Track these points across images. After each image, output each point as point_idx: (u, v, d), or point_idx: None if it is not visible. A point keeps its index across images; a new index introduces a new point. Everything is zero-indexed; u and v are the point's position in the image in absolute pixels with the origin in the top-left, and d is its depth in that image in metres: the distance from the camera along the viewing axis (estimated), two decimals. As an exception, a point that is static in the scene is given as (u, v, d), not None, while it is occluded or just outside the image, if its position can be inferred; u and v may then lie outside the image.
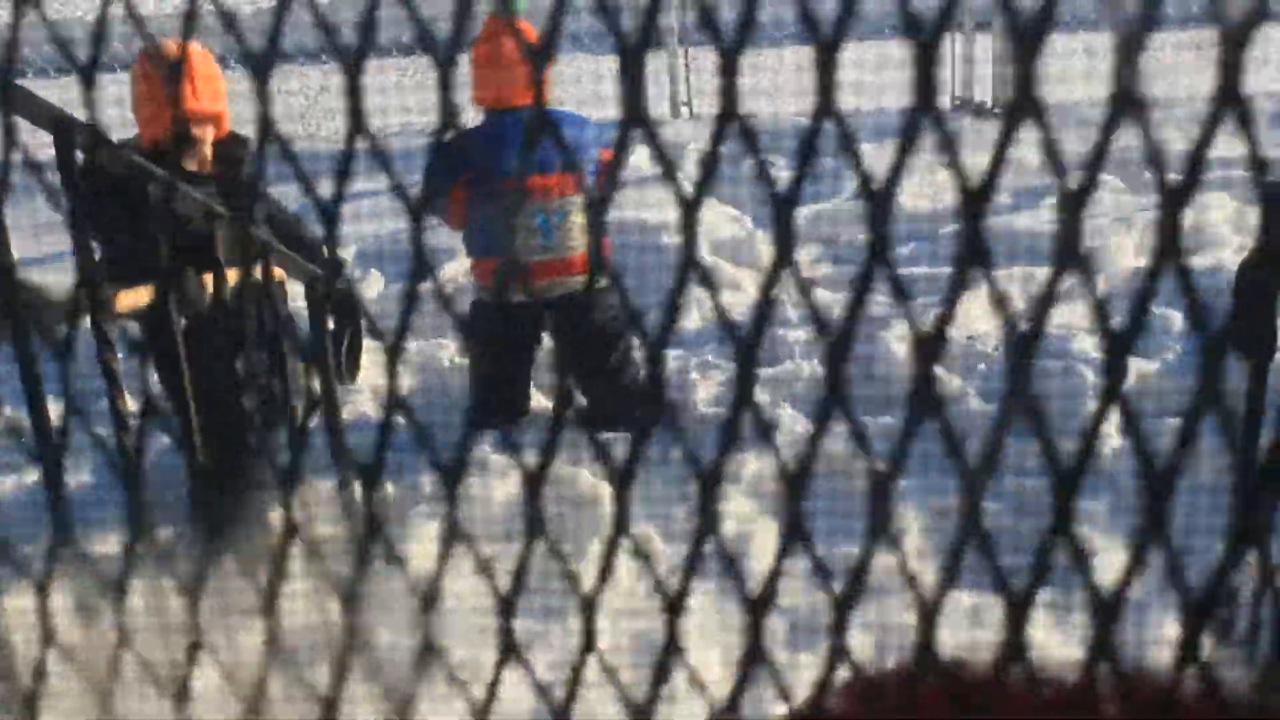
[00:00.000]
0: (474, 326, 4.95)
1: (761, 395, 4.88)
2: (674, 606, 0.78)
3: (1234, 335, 0.70)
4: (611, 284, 4.85)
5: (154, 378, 3.82)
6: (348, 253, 6.74)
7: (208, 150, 4.25)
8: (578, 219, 4.88)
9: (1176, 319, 5.29)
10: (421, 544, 4.05)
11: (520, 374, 5.02)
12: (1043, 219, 6.45)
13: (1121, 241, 6.25)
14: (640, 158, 7.51)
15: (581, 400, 5.06)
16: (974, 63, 9.17)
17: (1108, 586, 0.70)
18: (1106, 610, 0.69)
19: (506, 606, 0.84)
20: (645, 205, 6.27)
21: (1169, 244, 0.64)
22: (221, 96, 4.20)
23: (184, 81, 3.99)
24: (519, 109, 4.82)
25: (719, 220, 6.73)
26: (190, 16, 0.68)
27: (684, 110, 9.26)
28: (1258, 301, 2.41)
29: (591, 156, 4.89)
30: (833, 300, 5.57)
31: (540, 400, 5.16)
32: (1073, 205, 0.63)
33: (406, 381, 5.45)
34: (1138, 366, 4.93)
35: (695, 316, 5.77)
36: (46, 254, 4.06)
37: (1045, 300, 0.66)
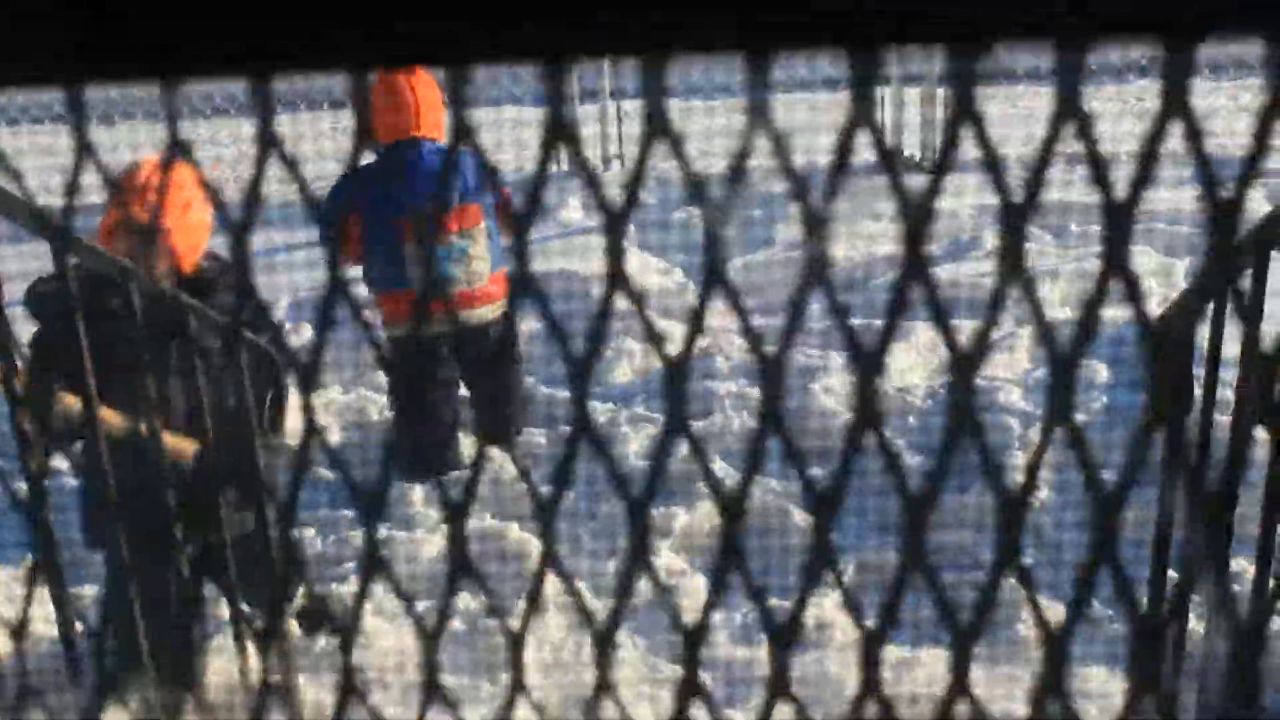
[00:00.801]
0: (390, 363, 4.97)
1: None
2: (604, 643, 0.77)
3: (1152, 389, 0.71)
4: (506, 313, 4.87)
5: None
6: (280, 304, 6.68)
7: (159, 272, 3.54)
8: (472, 254, 4.92)
9: (1103, 371, 5.34)
10: (349, 598, 4.00)
11: (444, 413, 5.02)
12: (970, 271, 6.52)
13: (1049, 293, 6.33)
14: (571, 209, 7.57)
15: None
16: (903, 116, 9.27)
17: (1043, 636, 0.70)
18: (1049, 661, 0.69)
19: (431, 662, 0.82)
20: (574, 255, 6.28)
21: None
22: (184, 214, 3.55)
23: (135, 188, 3.47)
24: (412, 142, 4.86)
25: (648, 271, 6.75)
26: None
27: (615, 163, 9.30)
28: (1176, 355, 2.44)
29: (489, 198, 4.95)
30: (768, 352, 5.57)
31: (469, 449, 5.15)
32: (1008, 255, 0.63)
33: (334, 432, 5.41)
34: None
35: (625, 369, 5.77)
36: None
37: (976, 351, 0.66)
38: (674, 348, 0.74)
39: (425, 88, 4.91)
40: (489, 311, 4.96)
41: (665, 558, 4.16)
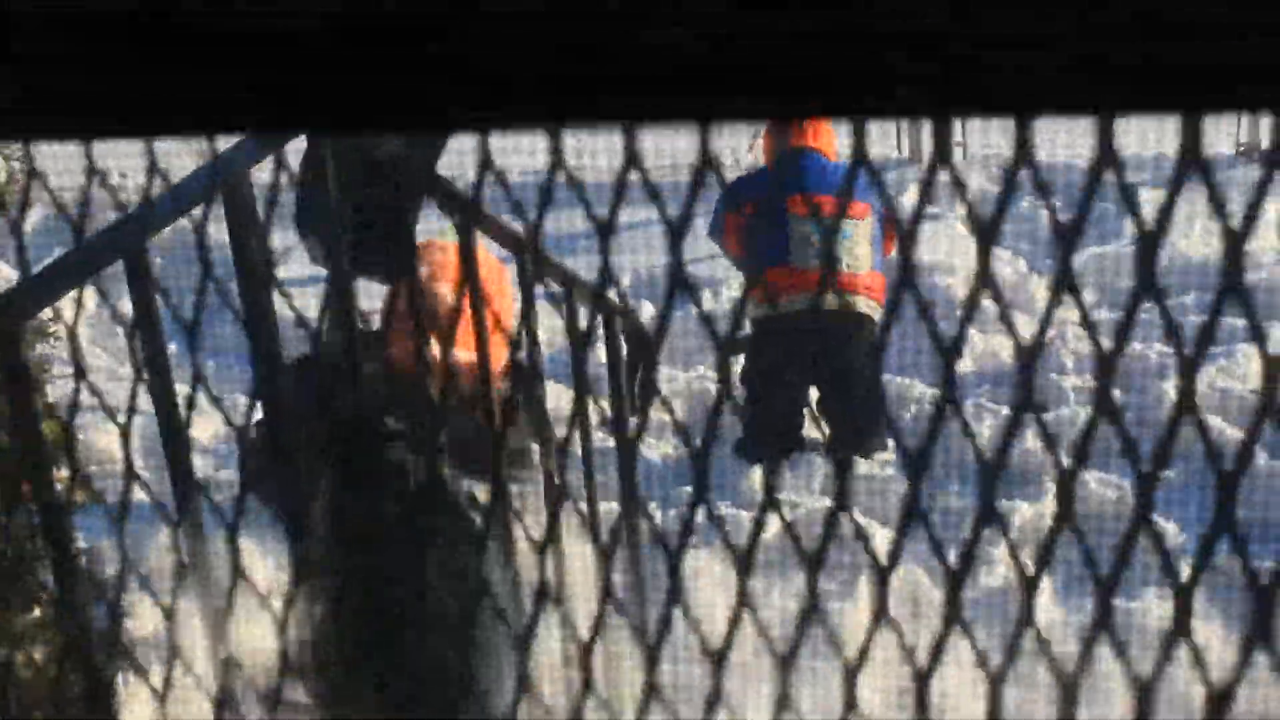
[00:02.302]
0: (751, 343, 5.05)
1: (1035, 441, 4.76)
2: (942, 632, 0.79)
3: None
4: (874, 318, 4.72)
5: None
6: (622, 281, 6.82)
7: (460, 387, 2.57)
8: (855, 242, 4.98)
9: None
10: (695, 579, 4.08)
11: (794, 397, 5.01)
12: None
13: None
14: (912, 195, 7.55)
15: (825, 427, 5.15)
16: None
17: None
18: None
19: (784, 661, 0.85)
20: (918, 244, 6.20)
21: None
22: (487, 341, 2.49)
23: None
24: (804, 149, 5.07)
25: (993, 262, 6.61)
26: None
27: (958, 150, 9.15)
28: None
29: (877, 205, 5.04)
30: (1109, 346, 5.39)
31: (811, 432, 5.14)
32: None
33: (675, 413, 5.50)
34: None
35: (967, 358, 5.69)
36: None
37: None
38: (1016, 338, 0.74)
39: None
40: (863, 304, 4.98)
41: (1003, 550, 4.08)
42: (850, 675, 0.82)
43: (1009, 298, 6.32)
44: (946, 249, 6.29)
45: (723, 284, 6.62)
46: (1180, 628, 0.71)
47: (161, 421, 1.38)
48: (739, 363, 5.09)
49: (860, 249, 4.98)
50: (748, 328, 5.11)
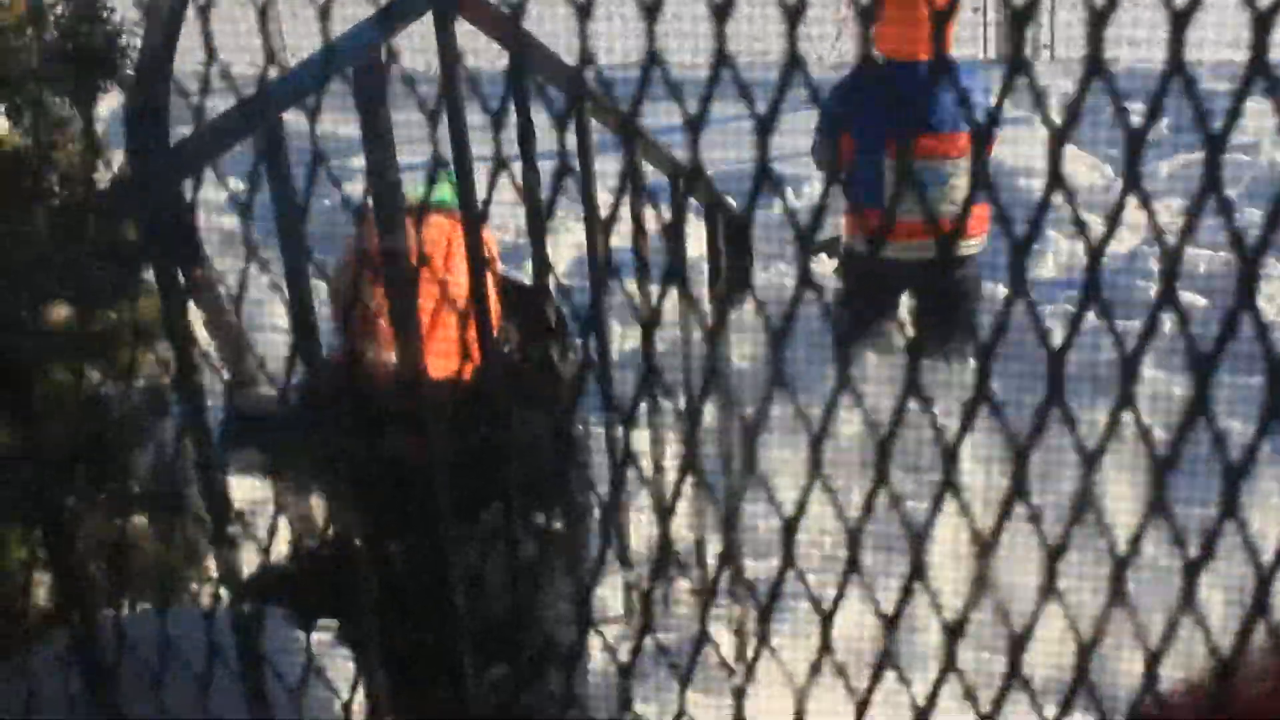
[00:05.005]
0: (843, 274, 5.01)
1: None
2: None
3: None
4: (973, 255, 4.48)
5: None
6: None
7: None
8: (959, 183, 4.82)
9: None
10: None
11: (879, 320, 4.94)
12: None
13: None
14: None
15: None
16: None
17: None
18: None
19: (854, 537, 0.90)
20: (1004, 145, 6.17)
21: None
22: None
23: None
24: (918, 64, 4.61)
25: (1079, 168, 6.56)
26: None
27: (1045, 53, 9.01)
28: None
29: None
30: (1197, 255, 5.35)
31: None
32: None
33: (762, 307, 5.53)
34: None
35: (1050, 264, 5.66)
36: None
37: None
38: (1088, 240, 0.78)
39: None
40: (966, 245, 4.85)
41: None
42: (916, 545, 0.87)
43: (1092, 203, 6.29)
44: (1032, 152, 6.22)
45: (805, 182, 6.61)
46: (1229, 506, 0.75)
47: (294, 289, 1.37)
48: (819, 263, 5.07)
49: (959, 189, 4.80)
50: (844, 256, 5.08)
